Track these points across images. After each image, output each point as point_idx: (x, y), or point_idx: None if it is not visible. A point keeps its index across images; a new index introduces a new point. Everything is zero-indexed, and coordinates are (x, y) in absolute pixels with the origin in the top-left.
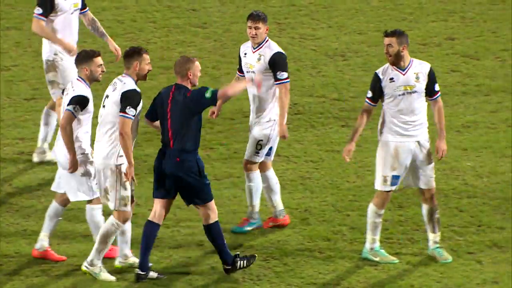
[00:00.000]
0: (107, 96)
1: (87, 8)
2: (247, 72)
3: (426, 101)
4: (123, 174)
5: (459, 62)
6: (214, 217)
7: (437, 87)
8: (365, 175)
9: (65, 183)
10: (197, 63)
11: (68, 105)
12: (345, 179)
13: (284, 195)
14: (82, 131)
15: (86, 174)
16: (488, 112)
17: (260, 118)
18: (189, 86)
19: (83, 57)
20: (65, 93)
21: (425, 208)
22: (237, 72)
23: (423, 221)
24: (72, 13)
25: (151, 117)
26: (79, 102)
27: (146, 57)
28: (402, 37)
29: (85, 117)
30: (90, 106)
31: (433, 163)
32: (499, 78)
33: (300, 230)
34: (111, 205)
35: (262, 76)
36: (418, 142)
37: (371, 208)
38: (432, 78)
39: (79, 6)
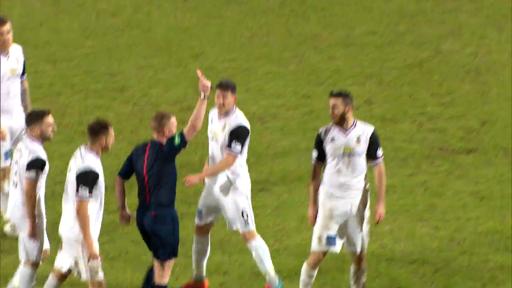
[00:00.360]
0: (69, 170)
1: (25, 75)
2: (211, 139)
3: (368, 164)
4: None
5: (377, 126)
6: (166, 280)
7: (379, 152)
8: (283, 239)
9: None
10: (173, 119)
11: (28, 170)
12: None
13: None
14: (41, 195)
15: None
16: (405, 175)
17: (230, 188)
18: (164, 142)
19: (34, 117)
20: (18, 153)
21: (353, 268)
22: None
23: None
24: (8, 80)
25: (124, 175)
26: (40, 165)
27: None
28: (347, 98)
29: (43, 179)
30: (46, 166)
31: (367, 227)
32: (416, 141)
33: None
34: (83, 277)
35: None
36: (355, 204)
37: (304, 267)
38: (374, 142)
39: (19, 71)
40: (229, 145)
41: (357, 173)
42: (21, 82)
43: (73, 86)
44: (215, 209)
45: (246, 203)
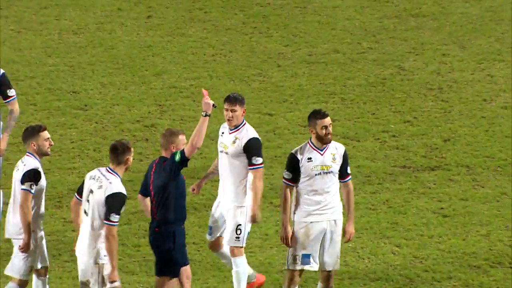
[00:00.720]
0: (91, 191)
1: (12, 98)
2: (220, 151)
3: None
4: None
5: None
6: None
7: (348, 170)
8: (247, 257)
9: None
10: (181, 137)
11: (22, 183)
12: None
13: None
14: (39, 211)
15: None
16: (368, 193)
17: (235, 202)
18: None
19: (30, 133)
20: (15, 169)
21: (320, 287)
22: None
23: None
24: None
25: (144, 193)
26: (33, 177)
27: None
28: None
29: (40, 194)
30: (43, 181)
31: (339, 244)
32: (379, 159)
33: None
34: None
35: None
36: (331, 222)
37: None
38: (346, 160)
39: None
40: (251, 162)
41: (334, 191)
42: (8, 104)
43: (36, 104)
44: (223, 223)
45: (243, 220)
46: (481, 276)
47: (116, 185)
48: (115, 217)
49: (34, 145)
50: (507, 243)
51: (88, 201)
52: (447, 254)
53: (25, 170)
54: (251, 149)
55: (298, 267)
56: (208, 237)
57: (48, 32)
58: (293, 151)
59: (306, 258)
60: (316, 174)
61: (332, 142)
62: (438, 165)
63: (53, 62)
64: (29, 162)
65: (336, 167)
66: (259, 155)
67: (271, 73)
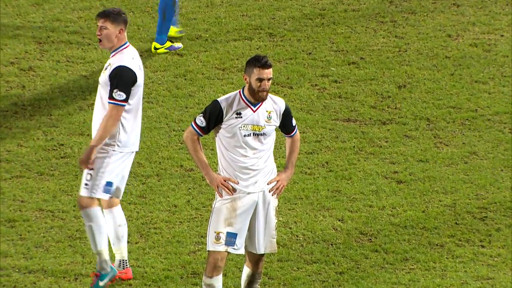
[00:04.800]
0: None
1: None
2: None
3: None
4: None
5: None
6: None
7: (294, 122)
8: (150, 233)
9: None
10: None
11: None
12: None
13: (49, 260)
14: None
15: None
16: (303, 153)
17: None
18: None
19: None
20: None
21: (246, 272)
22: None
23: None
24: None
25: None
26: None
27: None
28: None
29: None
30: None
31: (276, 219)
32: (316, 110)
33: None
34: None
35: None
36: (263, 193)
37: (203, 278)
38: (287, 117)
39: None
40: (110, 95)
41: (266, 155)
42: None
43: None
44: None
45: (99, 165)
46: (445, 258)
47: None
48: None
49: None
50: (477, 215)
51: None
52: (402, 230)
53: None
54: (113, 79)
55: (221, 248)
56: None
57: None
58: (219, 99)
59: (231, 237)
60: (245, 135)
61: (269, 96)
62: (391, 118)
63: None
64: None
65: (270, 128)
66: (123, 90)
67: (181, 2)
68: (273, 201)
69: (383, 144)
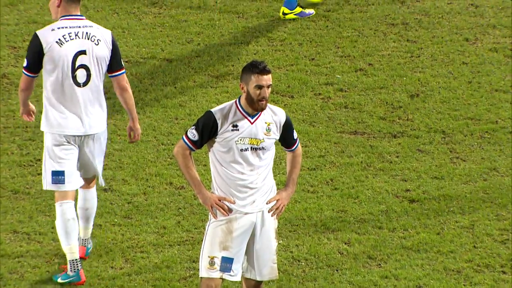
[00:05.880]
0: None
1: None
2: None
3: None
4: None
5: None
6: None
7: (295, 135)
8: (137, 258)
9: None
10: None
11: None
12: (109, 264)
13: None
14: None
15: None
16: (306, 169)
17: None
18: None
19: None
20: None
21: None
22: None
23: None
24: None
25: None
26: None
27: None
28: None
29: None
30: None
31: (276, 242)
32: (320, 122)
33: None
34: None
35: None
36: (262, 213)
37: None
38: (287, 129)
39: None
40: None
41: (265, 172)
42: None
43: None
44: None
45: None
46: (462, 285)
47: None
48: None
49: None
50: (497, 238)
51: None
52: (415, 254)
53: None
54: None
55: (216, 274)
56: None
57: None
58: (212, 110)
59: (227, 262)
60: (242, 150)
61: (268, 106)
62: (402, 131)
63: None
64: None
65: (269, 142)
66: (26, 57)
67: (171, 2)
68: (273, 222)
69: (393, 159)
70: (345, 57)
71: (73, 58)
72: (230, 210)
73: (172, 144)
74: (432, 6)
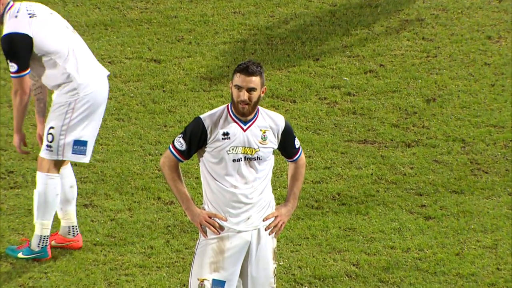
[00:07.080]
0: None
1: None
2: None
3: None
4: None
5: (266, 106)
6: None
7: (296, 143)
8: (121, 281)
9: None
10: None
11: None
12: (93, 286)
13: None
14: None
15: None
16: (310, 182)
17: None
18: None
19: None
20: None
21: None
22: None
23: None
24: None
25: None
26: None
27: None
28: (263, 75)
29: None
30: None
31: (275, 264)
32: (326, 130)
33: None
34: None
35: None
36: (258, 231)
37: None
38: (290, 136)
39: None
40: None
41: (262, 185)
42: None
43: None
44: None
45: (59, 123)
46: None
47: None
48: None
49: None
50: None
51: None
52: (431, 277)
53: None
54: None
55: None
56: None
57: None
58: (201, 116)
59: (218, 285)
60: (234, 160)
61: (263, 110)
62: (418, 139)
63: None
64: None
65: (266, 151)
66: (12, 58)
67: None
68: (271, 242)
69: (407, 171)
70: (353, 57)
71: None
72: (221, 228)
73: (161, 154)
74: (451, 0)
